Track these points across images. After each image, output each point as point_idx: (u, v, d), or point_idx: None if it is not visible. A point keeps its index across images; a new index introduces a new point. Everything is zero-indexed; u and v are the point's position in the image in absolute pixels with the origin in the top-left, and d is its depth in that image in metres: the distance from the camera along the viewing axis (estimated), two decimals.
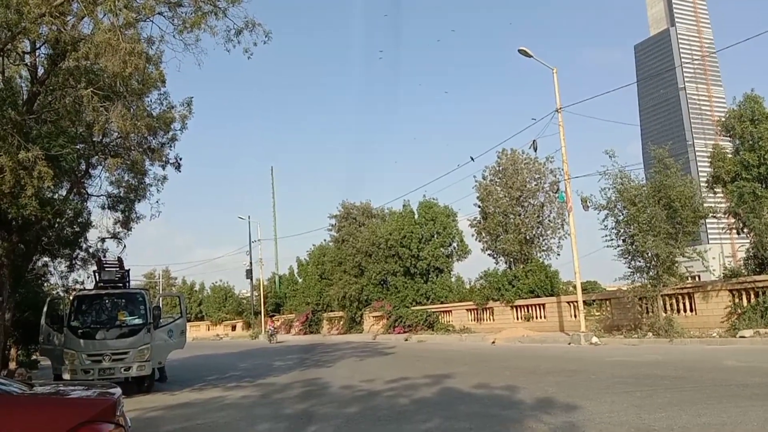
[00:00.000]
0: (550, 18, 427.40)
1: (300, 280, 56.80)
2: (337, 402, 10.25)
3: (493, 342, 25.29)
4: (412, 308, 37.26)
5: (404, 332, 35.27)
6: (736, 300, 20.29)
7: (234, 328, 65.57)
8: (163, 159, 18.45)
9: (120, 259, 17.20)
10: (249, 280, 58.36)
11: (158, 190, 19.54)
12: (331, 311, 47.48)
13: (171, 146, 18.48)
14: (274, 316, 53.49)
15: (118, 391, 4.16)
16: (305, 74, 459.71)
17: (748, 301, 19.82)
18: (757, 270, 21.27)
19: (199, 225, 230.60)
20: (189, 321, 61.20)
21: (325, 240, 50.69)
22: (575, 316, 25.33)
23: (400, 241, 38.05)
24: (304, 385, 13.08)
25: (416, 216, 39.29)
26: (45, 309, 15.00)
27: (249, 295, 61.41)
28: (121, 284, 15.54)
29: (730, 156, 23.02)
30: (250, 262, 57.35)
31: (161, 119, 17.61)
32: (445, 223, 38.44)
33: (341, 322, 45.74)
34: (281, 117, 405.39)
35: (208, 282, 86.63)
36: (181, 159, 18.87)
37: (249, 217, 58.25)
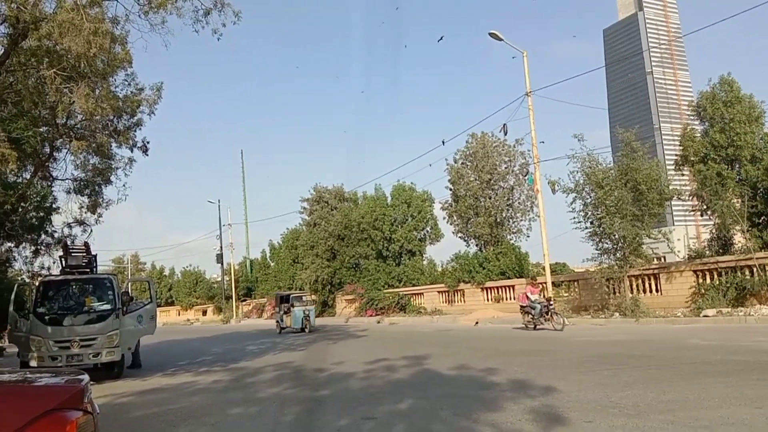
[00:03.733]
0: (521, 3, 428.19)
1: (272, 264, 56.57)
2: (309, 385, 10.27)
3: (476, 323, 25.52)
4: (385, 291, 37.46)
5: (376, 315, 35.48)
6: (700, 280, 20.84)
7: (205, 312, 65.15)
8: (130, 142, 18.15)
9: (87, 244, 16.88)
10: (220, 264, 57.90)
11: (126, 174, 19.26)
12: None
13: (138, 129, 18.19)
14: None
15: (85, 377, 4.09)
16: (277, 57, 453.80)
17: (711, 281, 20.38)
18: (720, 251, 21.86)
19: (171, 210, 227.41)
20: (159, 306, 60.60)
21: (298, 224, 50.52)
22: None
23: (372, 223, 38.09)
24: (276, 369, 13.07)
25: (389, 200, 39.34)
26: (12, 296, 14.67)
27: (220, 279, 60.94)
28: (88, 269, 15.27)
29: (699, 137, 23.50)
30: (221, 247, 56.93)
31: (128, 101, 17.27)
32: (421, 207, 38.59)
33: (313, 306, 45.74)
34: (253, 100, 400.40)
35: (178, 267, 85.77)
36: (148, 142, 18.61)
37: (219, 201, 57.69)
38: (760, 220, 21.05)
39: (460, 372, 10.56)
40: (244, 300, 58.43)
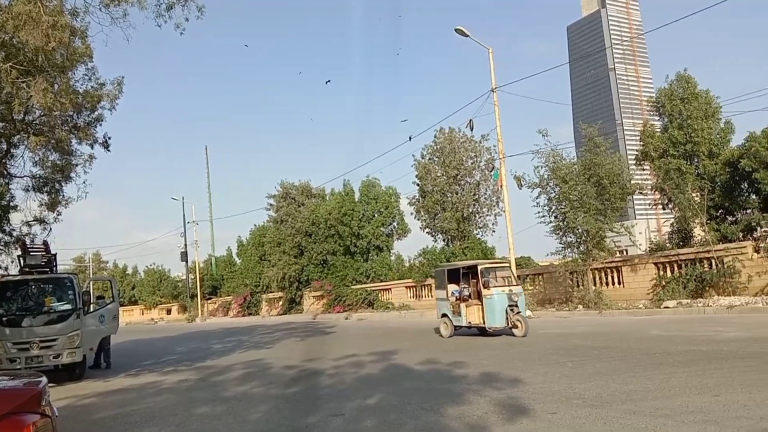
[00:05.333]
0: (487, 1, 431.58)
1: (238, 262, 56.00)
2: (277, 383, 10.21)
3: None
4: (352, 287, 37.42)
5: (344, 311, 35.44)
6: (661, 272, 21.34)
7: (169, 311, 64.16)
8: (91, 138, 17.75)
9: (46, 243, 16.45)
10: (184, 262, 57.04)
11: (86, 171, 18.83)
12: (270, 292, 47.11)
13: (99, 124, 17.80)
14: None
15: (43, 380, 4.00)
16: (241, 52, 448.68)
17: (672, 273, 20.89)
18: (681, 243, 22.41)
19: (135, 207, 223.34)
20: (122, 305, 59.47)
21: (265, 221, 50.10)
22: None
23: (340, 219, 38.01)
24: (244, 367, 12.96)
25: (357, 195, 39.28)
26: None
27: (184, 277, 60.04)
28: (47, 269, 14.89)
29: (658, 133, 24.00)
30: (185, 245, 56.06)
31: (88, 96, 16.87)
32: (387, 202, 38.61)
33: (280, 303, 45.48)
34: (218, 96, 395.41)
35: (142, 265, 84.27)
36: (110, 138, 18.22)
37: (183, 198, 56.80)
38: (718, 214, 21.65)
39: (428, 366, 10.62)
40: (210, 298, 57.70)
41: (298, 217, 42.37)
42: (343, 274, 38.63)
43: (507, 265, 17.92)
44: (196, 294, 55.58)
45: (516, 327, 14.75)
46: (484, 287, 15.32)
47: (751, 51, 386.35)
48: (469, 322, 15.88)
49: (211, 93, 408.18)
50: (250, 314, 48.51)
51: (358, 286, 37.29)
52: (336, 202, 39.84)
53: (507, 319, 14.88)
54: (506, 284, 15.79)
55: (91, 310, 14.66)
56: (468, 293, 16.13)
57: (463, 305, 15.98)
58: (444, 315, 16.77)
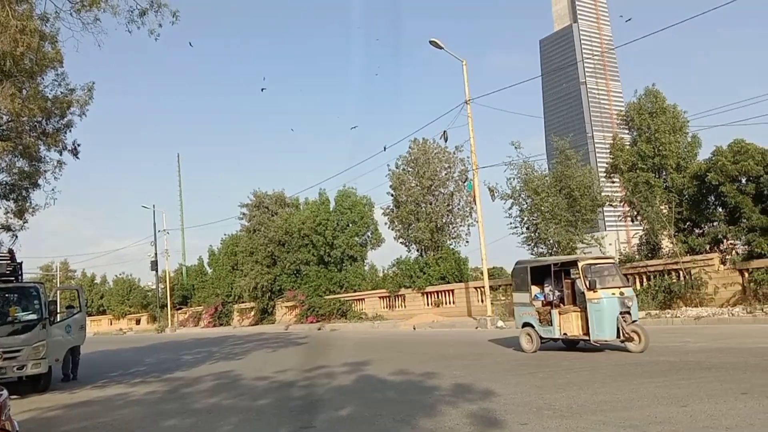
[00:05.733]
0: (461, 13, 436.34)
1: (210, 271, 55.33)
2: (248, 394, 10.08)
3: (414, 328, 25.81)
4: (326, 297, 37.24)
5: (317, 321, 35.23)
6: (630, 284, 21.62)
7: (138, 321, 63.03)
8: (60, 144, 17.43)
9: (11, 251, 16.05)
10: (154, 271, 56.18)
11: (55, 177, 18.45)
12: (242, 302, 46.62)
13: (68, 131, 17.50)
14: None
15: (4, 393, 3.89)
16: (214, 60, 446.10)
17: (641, 284, 21.22)
18: (649, 255, 22.77)
19: (105, 216, 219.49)
20: (90, 315, 58.27)
21: (237, 230, 49.61)
22: (482, 301, 26.20)
23: (314, 229, 37.84)
24: (214, 379, 12.78)
25: (332, 205, 39.18)
26: None
27: (154, 287, 59.08)
28: (12, 278, 14.52)
29: (628, 147, 24.43)
30: (155, 253, 55.28)
31: (58, 102, 16.59)
32: (362, 212, 38.56)
33: (252, 313, 45.02)
34: (191, 104, 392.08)
35: (111, 275, 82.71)
36: (79, 145, 17.92)
37: (154, 206, 56.05)
38: (686, 226, 22.07)
39: (401, 377, 10.60)
40: (180, 308, 56.86)
41: (271, 227, 42.05)
42: (316, 284, 38.42)
43: (613, 261, 14.16)
44: (166, 304, 54.75)
45: (631, 340, 11.67)
46: (590, 289, 11.97)
47: (718, 67, 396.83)
48: (565, 333, 12.62)
49: (184, 100, 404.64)
50: (221, 325, 47.92)
51: (332, 296, 37.12)
52: (311, 212, 39.66)
53: (619, 329, 11.70)
54: (614, 285, 12.31)
55: (58, 320, 14.35)
56: (561, 296, 13.18)
57: (555, 312, 12.77)
58: (526, 324, 13.45)
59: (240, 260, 46.08)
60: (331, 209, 38.81)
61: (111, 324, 66.22)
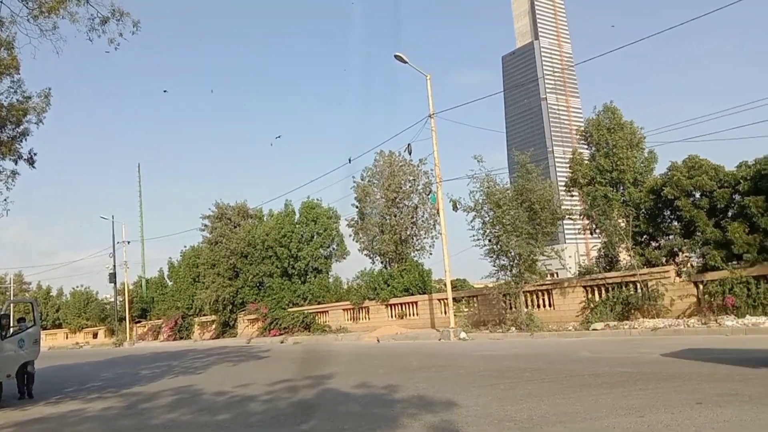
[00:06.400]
0: (427, 30, 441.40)
1: (170, 284, 54.30)
2: (208, 409, 9.90)
3: (378, 340, 25.78)
4: (289, 310, 36.91)
5: (280, 334, 34.85)
6: (590, 295, 22.08)
7: (96, 335, 61.38)
8: (15, 153, 16.92)
9: None
10: (113, 284, 54.87)
11: (8, 188, 17.87)
12: (203, 315, 45.86)
13: (24, 139, 17.01)
14: None
15: None
16: (175, 71, 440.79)
17: (600, 296, 21.65)
18: (608, 267, 23.25)
19: (62, 227, 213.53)
20: (44, 329, 56.54)
21: (199, 242, 48.86)
22: (445, 313, 26.34)
23: (278, 240, 37.55)
24: (173, 394, 12.51)
25: (297, 216, 38.94)
26: None
27: (113, 300, 57.68)
28: None
29: (587, 161, 24.96)
30: (114, 265, 54.05)
31: (13, 110, 16.15)
32: (327, 224, 38.42)
33: (213, 327, 44.31)
34: (152, 114, 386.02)
35: (68, 287, 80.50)
36: (35, 154, 17.43)
37: (113, 216, 54.87)
38: (643, 239, 22.60)
39: (364, 390, 10.55)
40: (139, 321, 55.62)
41: (233, 238, 41.56)
42: (279, 296, 38.06)
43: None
44: (125, 317, 53.50)
45: None
46: None
47: (673, 84, 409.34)
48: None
49: (146, 110, 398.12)
50: (181, 338, 47.05)
51: (295, 309, 36.80)
52: (275, 223, 39.36)
53: None
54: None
55: (10, 334, 13.87)
56: None
57: None
58: None
59: (201, 272, 45.38)
60: (296, 221, 38.57)
61: (67, 338, 64.35)
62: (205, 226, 45.84)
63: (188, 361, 22.53)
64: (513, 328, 22.60)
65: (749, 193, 18.76)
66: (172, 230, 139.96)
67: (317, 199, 39.24)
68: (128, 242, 56.37)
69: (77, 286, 67.04)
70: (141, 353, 33.47)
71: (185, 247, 52.20)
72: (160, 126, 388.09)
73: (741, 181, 19.10)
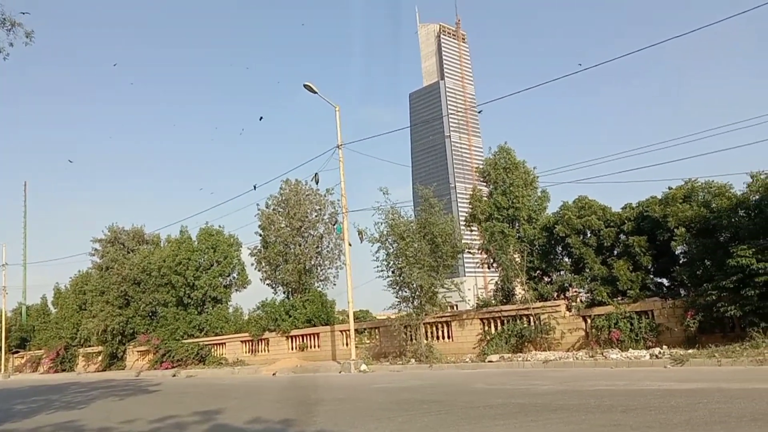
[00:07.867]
0: (338, 63, 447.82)
1: (54, 311, 50.67)
2: None
3: (274, 374, 25.06)
4: (183, 341, 35.36)
5: (172, 367, 33.28)
6: (486, 328, 22.70)
7: None
8: None
9: None
10: None
11: None
12: (89, 346, 43.02)
13: None
14: None
15: None
16: (61, 82, 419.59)
17: (496, 329, 22.32)
18: (504, 300, 24.05)
19: None
20: None
21: (89, 267, 46.06)
22: (347, 345, 26.17)
23: (174, 268, 36.06)
24: (51, 431, 11.55)
25: (195, 243, 37.61)
26: None
27: None
28: None
29: (485, 198, 25.88)
30: None
31: None
32: (227, 252, 37.39)
33: (100, 358, 41.66)
34: (42, 131, 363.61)
35: None
36: None
37: None
38: (536, 274, 23.60)
39: (258, 425, 10.20)
40: (17, 352, 51.38)
41: (126, 264, 39.51)
42: (173, 327, 36.40)
43: None
44: (1, 347, 49.24)
45: None
46: None
47: (568, 130, 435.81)
48: None
49: (34, 125, 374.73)
50: (63, 370, 43.89)
51: (190, 341, 35.30)
52: (171, 250, 37.81)
53: None
54: None
55: None
56: None
57: None
58: None
59: (89, 299, 42.74)
60: (194, 248, 37.24)
61: None
62: (96, 250, 43.42)
63: (70, 395, 20.95)
64: (413, 360, 22.78)
65: (633, 233, 20.11)
66: (63, 253, 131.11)
67: (220, 226, 38.27)
68: (6, 264, 52.27)
69: None
70: (17, 386, 30.79)
71: (78, 272, 49.10)
72: (55, 144, 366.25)
73: (626, 221, 20.47)
